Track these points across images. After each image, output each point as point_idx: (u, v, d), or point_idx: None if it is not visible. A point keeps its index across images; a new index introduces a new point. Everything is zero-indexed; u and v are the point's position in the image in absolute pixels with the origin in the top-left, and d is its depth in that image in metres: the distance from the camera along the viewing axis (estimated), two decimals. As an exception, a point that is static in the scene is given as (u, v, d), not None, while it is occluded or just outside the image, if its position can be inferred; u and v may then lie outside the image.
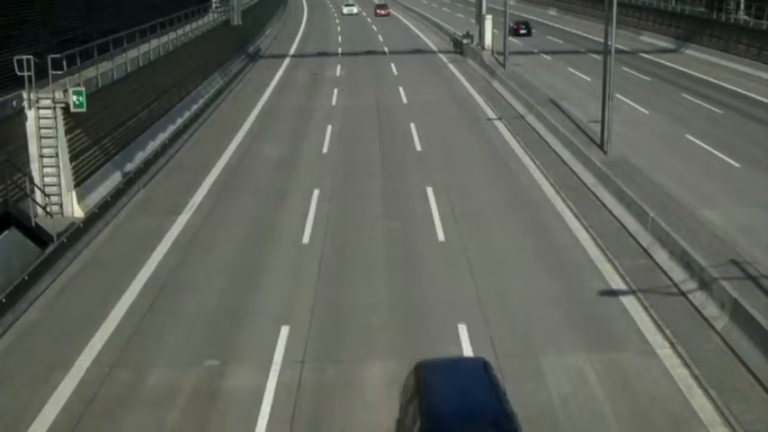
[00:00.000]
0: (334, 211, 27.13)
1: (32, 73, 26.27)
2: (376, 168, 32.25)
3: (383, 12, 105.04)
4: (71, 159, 27.39)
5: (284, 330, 18.71)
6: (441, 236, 24.71)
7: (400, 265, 22.56)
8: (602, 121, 32.67)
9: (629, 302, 19.84)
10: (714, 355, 17.13)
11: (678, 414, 15.28)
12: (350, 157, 34.07)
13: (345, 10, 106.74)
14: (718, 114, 40.53)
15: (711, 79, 50.97)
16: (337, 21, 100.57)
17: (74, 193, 27.24)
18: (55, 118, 26.91)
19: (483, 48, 60.74)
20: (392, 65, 60.35)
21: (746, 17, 56.66)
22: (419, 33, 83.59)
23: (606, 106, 32.06)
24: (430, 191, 28.97)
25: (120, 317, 19.66)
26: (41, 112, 26.85)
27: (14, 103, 26.02)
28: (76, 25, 33.06)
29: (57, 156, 26.87)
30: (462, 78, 53.76)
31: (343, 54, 67.69)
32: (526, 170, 31.68)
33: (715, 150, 33.20)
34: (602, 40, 39.33)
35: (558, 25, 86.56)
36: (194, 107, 43.62)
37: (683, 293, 19.88)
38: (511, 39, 59.78)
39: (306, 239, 24.63)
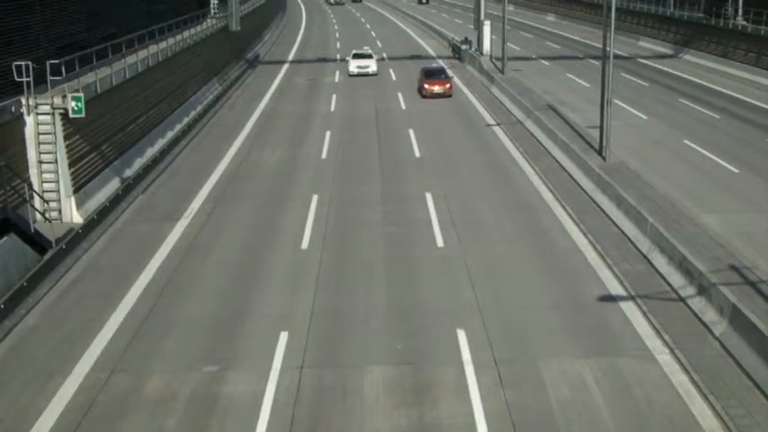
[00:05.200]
0: (333, 217, 27.14)
1: (31, 79, 26.30)
2: (375, 174, 32.27)
3: (441, 87, 48.82)
4: (70, 165, 27.39)
5: (283, 336, 18.72)
6: (440, 241, 24.72)
7: (399, 270, 22.57)
8: (601, 127, 32.70)
9: (628, 308, 19.85)
10: (713, 361, 17.14)
11: (677, 419, 15.29)
12: (349, 163, 34.09)
13: (354, 66, 58.15)
14: (717, 120, 40.58)
15: (710, 84, 51.05)
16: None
17: (72, 199, 27.24)
18: (54, 124, 26.91)
19: (481, 53, 60.83)
20: (391, 70, 60.39)
21: (744, 23, 56.75)
22: (418, 39, 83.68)
23: (605, 112, 32.09)
24: (429, 196, 28.99)
25: (118, 322, 19.66)
26: (40, 117, 26.86)
27: (13, 108, 26.02)
28: (75, 31, 33.09)
29: (55, 161, 26.87)
30: (461, 84, 53.79)
31: (341, 60, 67.71)
32: (525, 176, 31.70)
33: (713, 156, 33.24)
34: (600, 45, 39.40)
35: (556, 31, 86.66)
36: (193, 113, 43.65)
37: (681, 299, 19.90)
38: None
39: (305, 245, 24.64)
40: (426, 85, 48.83)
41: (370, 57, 59.39)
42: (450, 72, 54.03)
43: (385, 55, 70.15)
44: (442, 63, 61.41)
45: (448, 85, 49.08)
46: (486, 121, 41.89)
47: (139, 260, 23.60)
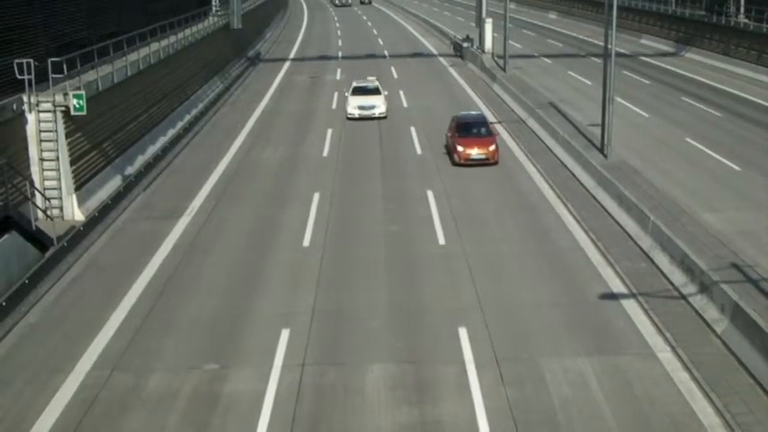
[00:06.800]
0: (334, 215, 27.13)
1: (33, 76, 26.31)
2: (376, 172, 32.25)
3: (482, 149, 32.57)
4: (71, 163, 27.40)
5: (284, 333, 18.71)
6: (441, 239, 24.71)
7: (400, 268, 22.56)
8: (603, 125, 32.68)
9: (630, 306, 19.84)
10: (714, 359, 17.14)
11: (679, 417, 15.28)
12: (350, 161, 34.07)
13: (353, 106, 42.05)
14: (718, 117, 40.53)
15: (711, 82, 50.99)
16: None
17: (74, 197, 27.24)
18: (55, 121, 26.92)
19: (483, 51, 60.79)
20: (392, 68, 60.36)
21: (746, 20, 56.71)
22: (419, 37, 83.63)
23: (606, 109, 32.07)
24: (430, 194, 28.98)
25: (120, 320, 19.66)
26: (42, 115, 26.87)
27: (15, 106, 26.04)
28: (77, 29, 33.09)
29: (57, 159, 26.88)
30: (463, 82, 53.77)
31: (343, 58, 67.72)
32: (526, 173, 31.67)
33: (715, 154, 33.21)
34: (602, 43, 39.37)
35: (558, 29, 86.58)
36: (194, 111, 43.64)
37: (683, 297, 19.89)
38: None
39: (306, 243, 24.63)
40: (460, 147, 32.48)
41: (376, 92, 43.06)
42: (494, 124, 37.70)
43: (386, 52, 70.14)
44: (479, 106, 44.78)
45: (492, 147, 32.59)
46: (488, 119, 41.82)
47: (141, 258, 23.60)
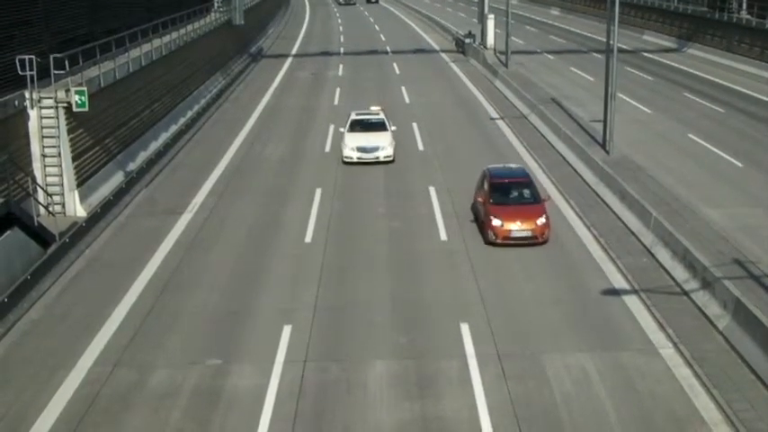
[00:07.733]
0: (336, 211, 27.13)
1: (35, 73, 26.32)
2: (378, 168, 32.21)
3: (527, 223, 23.43)
4: (73, 159, 27.42)
5: (287, 329, 18.72)
6: (443, 235, 24.71)
7: (402, 264, 22.56)
8: (605, 121, 32.64)
9: (632, 302, 19.83)
10: (716, 355, 17.14)
11: (680, 413, 15.28)
12: (352, 157, 33.99)
13: (351, 147, 32.34)
14: (721, 114, 40.49)
15: (714, 79, 50.93)
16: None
17: (76, 193, 27.27)
18: (57, 117, 26.95)
19: (485, 47, 60.75)
20: (394, 64, 60.34)
21: (749, 17, 56.64)
22: (421, 33, 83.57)
23: (608, 105, 32.04)
24: (432, 190, 28.96)
25: (122, 316, 19.68)
26: (44, 111, 26.88)
27: (17, 102, 26.06)
28: (79, 25, 33.09)
29: (59, 155, 26.90)
30: (465, 78, 53.74)
31: (345, 53, 67.69)
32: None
33: (717, 150, 33.18)
34: (604, 39, 39.34)
35: (560, 25, 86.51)
36: (196, 107, 43.65)
37: (685, 293, 19.88)
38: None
39: (308, 238, 24.63)
40: (496, 221, 23.57)
41: (380, 127, 33.51)
42: (540, 187, 26.87)
43: (389, 48, 70.09)
44: (520, 160, 32.14)
45: (542, 220, 23.69)
46: (489, 114, 41.84)
47: (143, 254, 23.60)
